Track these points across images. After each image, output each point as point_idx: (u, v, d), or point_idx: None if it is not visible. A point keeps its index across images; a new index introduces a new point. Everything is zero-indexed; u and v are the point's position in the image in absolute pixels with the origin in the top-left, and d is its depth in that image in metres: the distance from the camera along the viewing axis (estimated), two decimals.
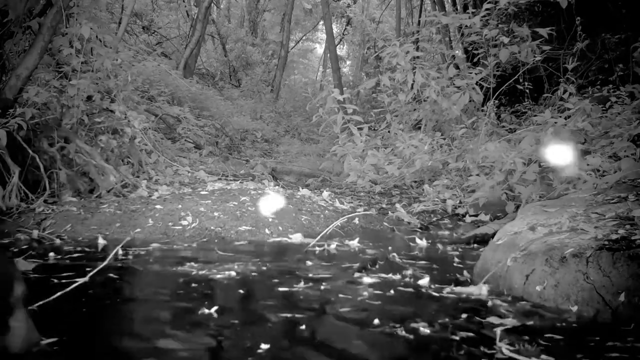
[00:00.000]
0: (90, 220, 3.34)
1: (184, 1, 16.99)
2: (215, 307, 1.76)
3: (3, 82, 4.14)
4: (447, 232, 3.66)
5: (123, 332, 1.62)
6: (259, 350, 1.44)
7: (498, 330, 1.55)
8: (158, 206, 3.59)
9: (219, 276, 2.23)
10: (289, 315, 1.76)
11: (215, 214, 3.46)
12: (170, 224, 3.29)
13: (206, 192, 4.18)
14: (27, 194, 3.74)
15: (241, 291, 2.07)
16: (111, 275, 2.20)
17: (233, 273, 2.28)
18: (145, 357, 1.40)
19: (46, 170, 3.92)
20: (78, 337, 1.52)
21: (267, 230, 3.31)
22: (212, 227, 3.27)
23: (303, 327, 1.63)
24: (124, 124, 4.87)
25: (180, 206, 3.58)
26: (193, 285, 2.10)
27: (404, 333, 1.58)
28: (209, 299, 1.91)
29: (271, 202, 3.69)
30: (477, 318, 1.76)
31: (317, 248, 2.91)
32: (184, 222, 3.32)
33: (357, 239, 3.10)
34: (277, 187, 5.09)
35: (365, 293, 2.05)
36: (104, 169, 4.26)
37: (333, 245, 2.98)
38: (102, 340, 1.54)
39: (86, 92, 4.58)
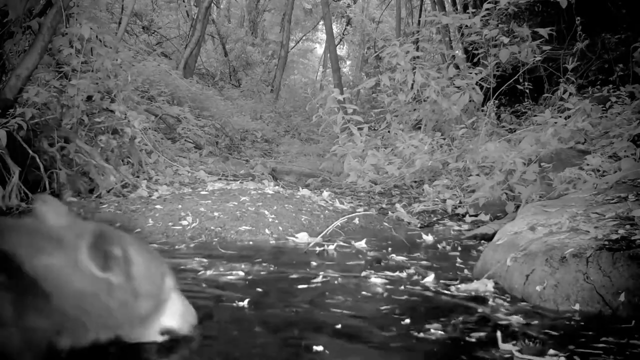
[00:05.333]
0: (91, 220, 3.34)
1: (184, 1, 17.00)
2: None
3: (3, 82, 4.14)
4: (447, 232, 3.66)
5: None
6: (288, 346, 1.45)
7: (499, 333, 1.55)
8: (158, 206, 3.59)
9: (230, 276, 2.25)
10: (311, 309, 1.83)
11: (215, 214, 3.46)
12: (170, 224, 3.29)
13: (206, 192, 4.18)
14: (27, 194, 3.74)
15: (259, 289, 2.08)
16: None
17: (241, 273, 2.30)
18: None
19: (46, 170, 3.92)
20: None
21: (267, 230, 3.31)
22: (212, 227, 3.27)
23: (335, 324, 1.67)
24: (124, 124, 4.87)
25: (180, 206, 3.58)
26: (203, 285, 2.11)
27: (417, 334, 1.60)
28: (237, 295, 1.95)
29: None
30: (484, 317, 1.78)
31: (318, 247, 2.91)
32: (184, 222, 3.32)
33: (364, 240, 3.09)
34: (277, 187, 5.09)
35: (382, 289, 2.10)
36: (104, 169, 4.26)
37: (332, 246, 2.98)
38: None
39: (86, 92, 4.58)
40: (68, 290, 1.15)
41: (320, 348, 1.45)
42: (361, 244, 3.03)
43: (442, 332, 1.61)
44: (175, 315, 1.39)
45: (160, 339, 1.37)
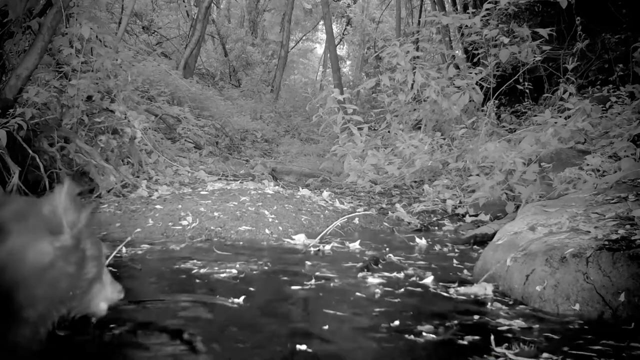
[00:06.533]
0: (90, 220, 3.33)
1: (184, 1, 16.99)
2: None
3: (3, 82, 4.13)
4: (446, 232, 3.65)
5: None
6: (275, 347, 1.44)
7: (492, 337, 1.55)
8: (158, 206, 3.59)
9: (223, 275, 2.24)
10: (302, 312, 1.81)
11: (215, 214, 3.46)
12: (170, 224, 3.29)
13: (206, 192, 4.18)
14: (27, 194, 3.74)
15: (252, 289, 2.07)
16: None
17: (234, 272, 2.29)
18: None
19: (46, 170, 3.92)
20: None
21: (267, 230, 3.30)
22: (212, 227, 3.27)
23: (324, 327, 1.65)
24: (124, 124, 4.86)
25: (180, 206, 3.58)
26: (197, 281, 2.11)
27: (411, 337, 1.58)
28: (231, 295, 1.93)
29: None
30: (480, 320, 1.77)
31: (313, 248, 2.91)
32: (184, 222, 3.32)
33: (358, 241, 3.08)
34: (277, 187, 5.09)
35: (378, 290, 2.08)
36: (104, 169, 4.25)
37: (329, 246, 2.97)
38: None
39: (86, 92, 4.58)
40: (26, 269, 1.07)
41: (303, 347, 1.45)
42: (355, 245, 3.02)
43: (433, 335, 1.59)
44: (107, 285, 1.30)
45: (102, 310, 1.28)
